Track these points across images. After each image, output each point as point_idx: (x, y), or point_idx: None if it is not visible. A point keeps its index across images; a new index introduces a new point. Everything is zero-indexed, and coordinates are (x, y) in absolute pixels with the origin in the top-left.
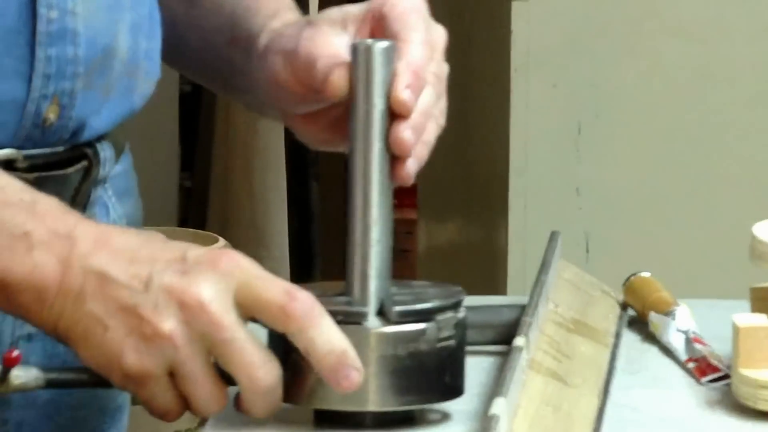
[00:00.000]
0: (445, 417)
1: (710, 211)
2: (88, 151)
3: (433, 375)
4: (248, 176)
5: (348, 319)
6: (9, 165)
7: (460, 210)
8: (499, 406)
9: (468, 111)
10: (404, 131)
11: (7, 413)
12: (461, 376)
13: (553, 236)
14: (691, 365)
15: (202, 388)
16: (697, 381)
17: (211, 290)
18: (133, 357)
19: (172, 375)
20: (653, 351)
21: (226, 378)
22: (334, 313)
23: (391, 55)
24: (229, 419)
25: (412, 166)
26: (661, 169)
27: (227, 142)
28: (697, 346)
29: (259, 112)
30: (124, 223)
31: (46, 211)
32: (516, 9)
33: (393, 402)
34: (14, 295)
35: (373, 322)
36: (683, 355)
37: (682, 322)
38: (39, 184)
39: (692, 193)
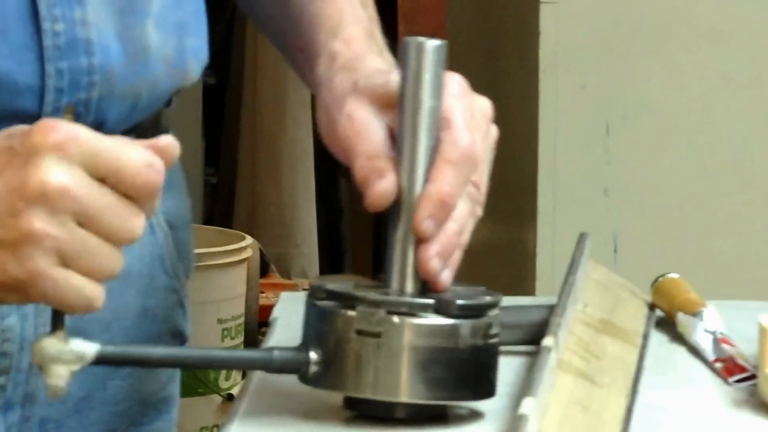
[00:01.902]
0: (475, 415)
1: (738, 213)
2: None
3: (469, 372)
4: (276, 172)
5: (411, 311)
6: None
7: (490, 211)
8: (528, 406)
9: (497, 113)
10: (430, 260)
11: (30, 410)
12: (495, 375)
13: (581, 237)
14: (718, 365)
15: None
16: (725, 381)
17: (58, 170)
18: (12, 267)
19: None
20: (681, 351)
21: None
22: (396, 304)
23: (442, 53)
24: (257, 415)
25: (447, 278)
26: (689, 171)
27: (254, 138)
28: (725, 346)
29: None
30: (161, 220)
31: None
32: (545, 11)
33: (425, 395)
34: None
35: (432, 316)
36: (711, 356)
37: (709, 323)
38: None
39: (721, 194)
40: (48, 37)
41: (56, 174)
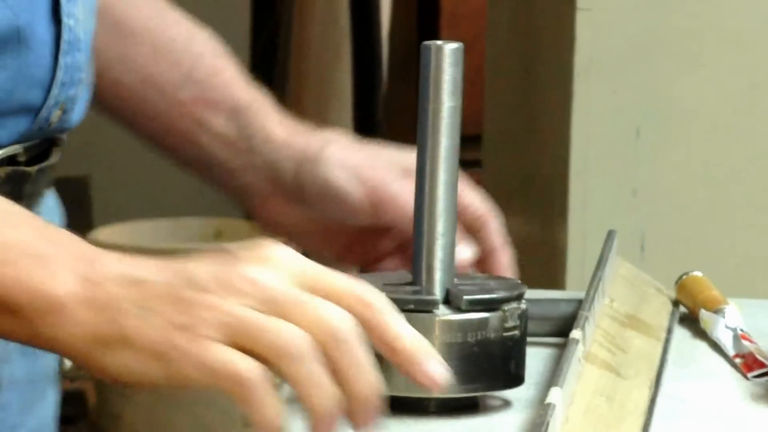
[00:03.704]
0: (505, 404)
1: (762, 216)
2: (59, 140)
3: (498, 363)
4: None
5: (418, 308)
6: (11, 160)
7: (523, 207)
8: (555, 395)
9: (532, 114)
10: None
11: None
12: (522, 365)
13: (610, 235)
14: (738, 361)
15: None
16: (744, 376)
17: (261, 269)
18: (181, 334)
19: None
20: (703, 346)
21: None
22: (404, 302)
23: (459, 55)
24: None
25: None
26: (715, 173)
27: None
28: (745, 342)
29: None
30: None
31: (61, 238)
32: (580, 18)
33: (458, 389)
34: (25, 311)
35: (442, 310)
36: (731, 351)
37: (731, 320)
38: (38, 177)
39: (745, 197)
40: (66, 31)
41: (260, 271)
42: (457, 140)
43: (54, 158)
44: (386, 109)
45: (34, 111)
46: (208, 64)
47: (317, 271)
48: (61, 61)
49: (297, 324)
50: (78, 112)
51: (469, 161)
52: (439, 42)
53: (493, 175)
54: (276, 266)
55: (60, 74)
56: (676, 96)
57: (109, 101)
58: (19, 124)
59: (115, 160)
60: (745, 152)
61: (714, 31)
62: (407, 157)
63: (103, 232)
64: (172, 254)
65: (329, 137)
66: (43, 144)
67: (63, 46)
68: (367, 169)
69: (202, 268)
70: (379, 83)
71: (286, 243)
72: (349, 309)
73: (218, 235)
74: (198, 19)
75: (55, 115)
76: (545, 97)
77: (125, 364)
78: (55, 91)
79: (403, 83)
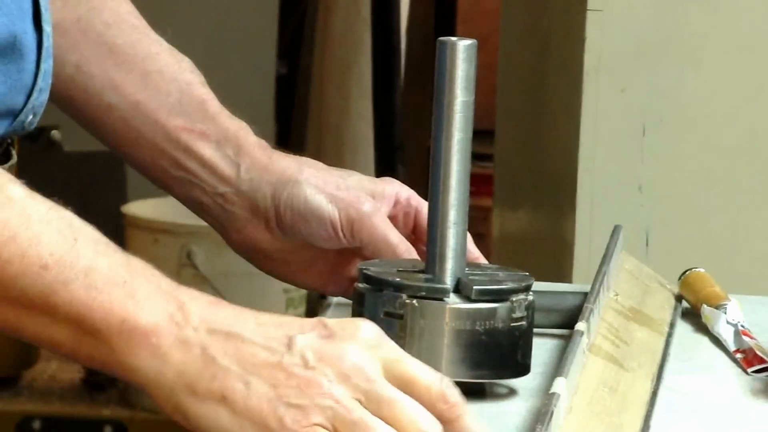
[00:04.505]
0: (511, 392)
1: (765, 214)
2: (14, 142)
3: (505, 352)
4: (339, 159)
5: (429, 295)
6: None
7: (532, 201)
8: (559, 385)
9: (542, 111)
10: None
11: None
12: (529, 355)
13: (615, 230)
14: (738, 356)
15: None
16: (744, 371)
17: (361, 354)
18: (292, 413)
19: None
20: (704, 341)
21: None
22: (416, 289)
23: (473, 52)
24: None
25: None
26: (719, 172)
27: (320, 127)
28: (745, 338)
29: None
30: None
31: (144, 269)
32: (591, 18)
33: (466, 374)
34: (111, 338)
35: (452, 298)
36: (732, 346)
37: (732, 316)
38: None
39: (748, 195)
40: (46, 38)
41: (360, 355)
42: (470, 133)
43: (15, 158)
44: (404, 99)
45: (14, 115)
46: (195, 94)
47: (402, 356)
48: (42, 67)
49: (392, 423)
50: (39, 117)
51: (482, 155)
52: (453, 38)
53: (504, 169)
54: (369, 347)
55: (39, 80)
56: (681, 95)
57: (102, 125)
58: (0, 128)
59: None
60: (748, 151)
61: (719, 33)
62: (373, 182)
63: (136, 206)
64: (200, 232)
65: (303, 161)
66: (3, 144)
67: (43, 53)
68: (341, 190)
69: (303, 340)
70: (397, 74)
71: (266, 272)
72: (433, 405)
73: None
74: (228, 9)
75: (28, 119)
76: (555, 94)
77: (218, 420)
78: (34, 96)
79: (421, 75)
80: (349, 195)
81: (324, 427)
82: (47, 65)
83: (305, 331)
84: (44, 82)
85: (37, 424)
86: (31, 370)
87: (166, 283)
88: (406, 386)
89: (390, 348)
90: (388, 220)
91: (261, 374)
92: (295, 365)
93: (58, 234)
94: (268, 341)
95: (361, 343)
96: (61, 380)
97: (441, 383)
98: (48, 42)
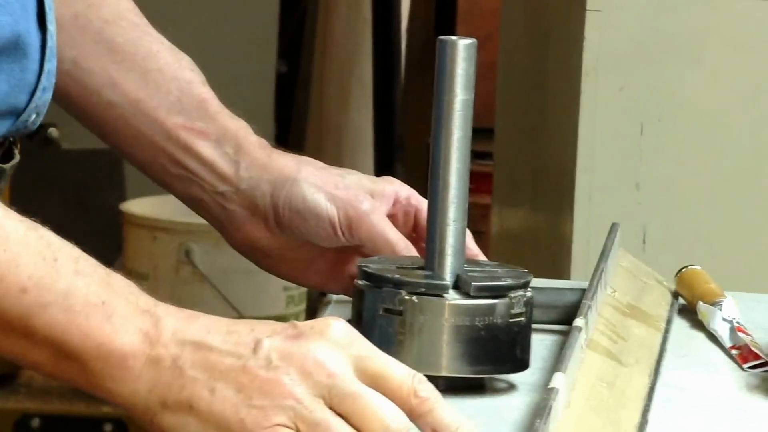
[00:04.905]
0: (510, 387)
1: (761, 212)
2: (17, 141)
3: (504, 348)
4: (339, 158)
5: (429, 291)
6: None
7: (531, 199)
8: (558, 380)
9: (542, 109)
10: None
11: None
12: (528, 350)
13: (613, 227)
14: (734, 352)
15: None
16: (740, 366)
17: (327, 351)
18: (253, 415)
19: None
20: (700, 337)
21: None
22: (415, 285)
23: (472, 51)
24: None
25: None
26: (715, 170)
27: (320, 124)
28: (741, 334)
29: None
30: None
31: (123, 287)
32: (590, 18)
33: (466, 370)
34: (89, 362)
35: (452, 295)
36: (727, 343)
37: (727, 312)
38: (7, 174)
39: (744, 194)
40: (50, 38)
41: (326, 353)
42: (469, 131)
43: (17, 157)
44: (404, 97)
45: (17, 114)
46: (195, 93)
47: (373, 353)
48: (45, 66)
49: (356, 419)
50: (42, 116)
51: (481, 153)
52: (453, 37)
53: (504, 167)
54: (337, 344)
55: (43, 79)
56: (679, 94)
57: (101, 122)
58: (2, 127)
59: None
60: (745, 150)
61: (716, 33)
62: (373, 181)
63: (134, 204)
64: (199, 230)
65: (302, 159)
66: (5, 143)
67: (47, 52)
68: (340, 189)
69: (269, 342)
70: (397, 72)
71: (266, 270)
72: (405, 400)
73: None
74: (229, 7)
75: (32, 118)
76: (554, 93)
77: (187, 427)
78: (38, 95)
79: (421, 74)
80: (347, 194)
81: (287, 427)
82: (51, 65)
83: (274, 334)
84: (48, 82)
85: (35, 422)
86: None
87: (144, 300)
88: (378, 383)
89: (361, 345)
90: (386, 219)
91: (227, 380)
92: (259, 367)
93: (36, 255)
94: (235, 347)
95: (329, 341)
96: None
97: (413, 379)
98: (52, 42)
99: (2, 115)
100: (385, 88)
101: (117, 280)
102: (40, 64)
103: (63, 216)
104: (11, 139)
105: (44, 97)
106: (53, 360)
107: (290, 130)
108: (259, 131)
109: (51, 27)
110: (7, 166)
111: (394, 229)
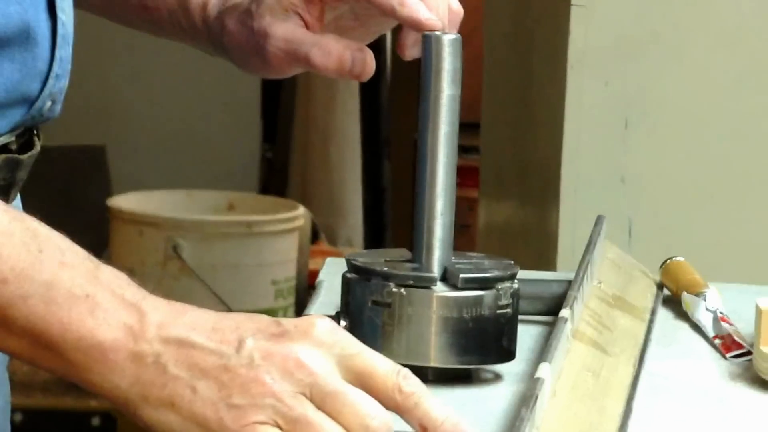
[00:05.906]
0: (497, 377)
1: (742, 205)
2: (39, 130)
3: (491, 339)
4: (326, 153)
5: (417, 284)
6: (4, 148)
7: (517, 192)
8: (544, 370)
9: (527, 103)
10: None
11: None
12: (514, 341)
13: (599, 220)
14: (717, 341)
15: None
16: (723, 356)
17: (309, 350)
18: (233, 414)
19: None
20: (684, 327)
21: None
22: (403, 278)
23: (458, 46)
24: None
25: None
26: (699, 163)
27: (306, 122)
28: (724, 324)
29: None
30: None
31: (110, 279)
32: (575, 13)
33: (453, 360)
34: (68, 353)
35: (439, 287)
36: (711, 332)
37: (711, 303)
38: (27, 164)
39: (727, 186)
40: (61, 26)
41: (308, 352)
42: (456, 126)
43: (38, 147)
44: (390, 93)
45: (30, 102)
46: None
47: (358, 350)
48: (57, 54)
49: (336, 416)
50: (60, 103)
51: (468, 147)
52: (438, 33)
53: (490, 161)
54: (321, 344)
55: (55, 67)
56: (663, 89)
57: None
58: (16, 115)
59: (131, 130)
60: (728, 143)
61: (700, 28)
62: None
63: (119, 200)
64: (186, 225)
65: None
66: (26, 133)
67: (58, 40)
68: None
69: (252, 341)
70: (384, 68)
71: None
72: (391, 396)
73: (230, 208)
74: None
75: (47, 106)
76: (540, 88)
77: (168, 424)
78: (50, 83)
79: (407, 71)
80: None
81: (268, 425)
82: (64, 52)
83: (258, 333)
84: (61, 69)
85: (17, 417)
86: (10, 361)
87: (131, 293)
88: (363, 380)
89: (346, 343)
90: None
91: (208, 378)
92: (241, 366)
93: (21, 246)
94: (218, 345)
95: (312, 339)
96: (43, 372)
97: (397, 374)
98: (63, 29)
99: (16, 103)
100: (371, 83)
101: (105, 272)
102: (51, 51)
103: (49, 213)
104: (34, 131)
105: (58, 84)
106: (32, 349)
107: (277, 128)
108: (245, 130)
109: (62, 15)
110: (25, 156)
111: None
